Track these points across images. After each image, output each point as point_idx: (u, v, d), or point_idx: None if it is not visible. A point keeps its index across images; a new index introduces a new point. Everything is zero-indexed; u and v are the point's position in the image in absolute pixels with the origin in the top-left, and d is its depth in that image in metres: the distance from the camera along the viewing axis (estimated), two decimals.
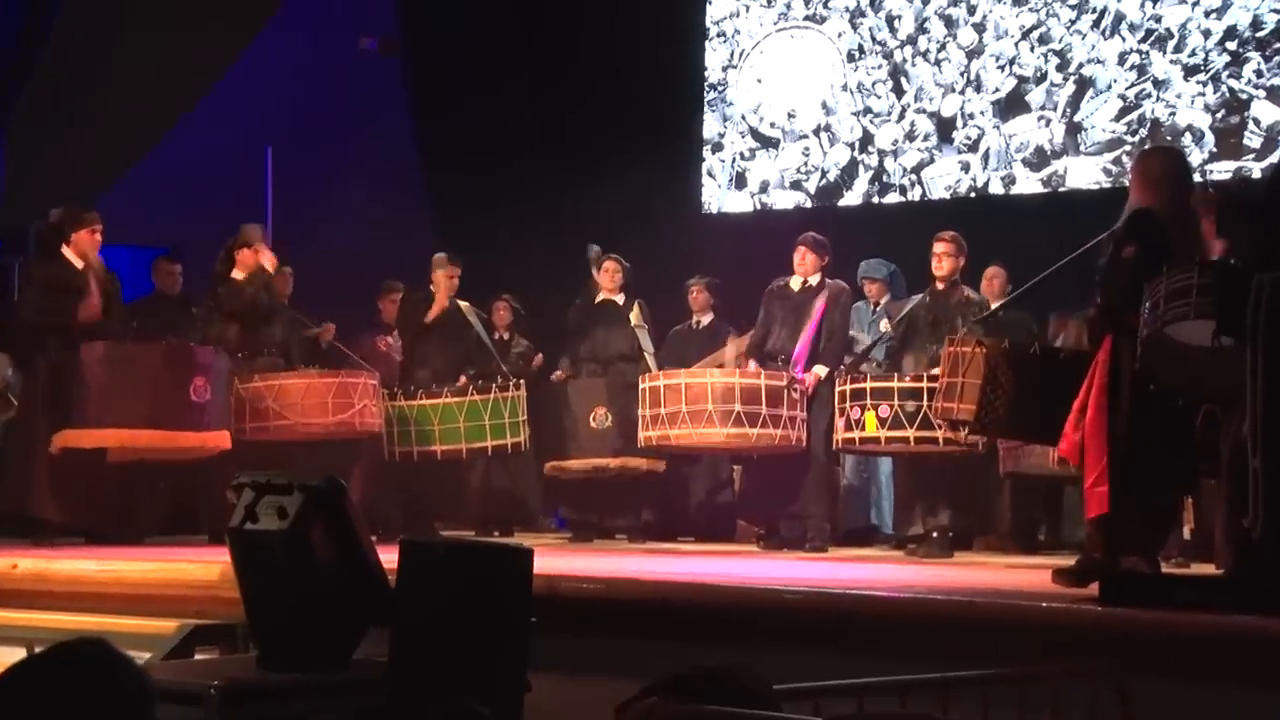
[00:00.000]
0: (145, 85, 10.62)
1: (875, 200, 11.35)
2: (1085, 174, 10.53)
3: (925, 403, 7.44)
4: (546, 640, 4.30)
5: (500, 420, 8.74)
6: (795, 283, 8.50)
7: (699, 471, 9.48)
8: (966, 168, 10.98)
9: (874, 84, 11.39)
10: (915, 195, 11.18)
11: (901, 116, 11.25)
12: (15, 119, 10.28)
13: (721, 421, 7.94)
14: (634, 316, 9.19)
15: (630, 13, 11.71)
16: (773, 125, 11.82)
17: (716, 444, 8.20)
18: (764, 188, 11.83)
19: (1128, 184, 5.64)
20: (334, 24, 12.09)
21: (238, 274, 8.48)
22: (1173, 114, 10.24)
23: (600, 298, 9.36)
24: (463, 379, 9.10)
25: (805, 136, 11.67)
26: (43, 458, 7.78)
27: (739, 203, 11.93)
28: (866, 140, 11.40)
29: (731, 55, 12.05)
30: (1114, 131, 10.43)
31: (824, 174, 11.57)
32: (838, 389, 7.94)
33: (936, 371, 7.15)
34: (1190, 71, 10.19)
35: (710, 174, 12.06)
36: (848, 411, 7.79)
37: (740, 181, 11.93)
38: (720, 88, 12.07)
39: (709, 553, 8.22)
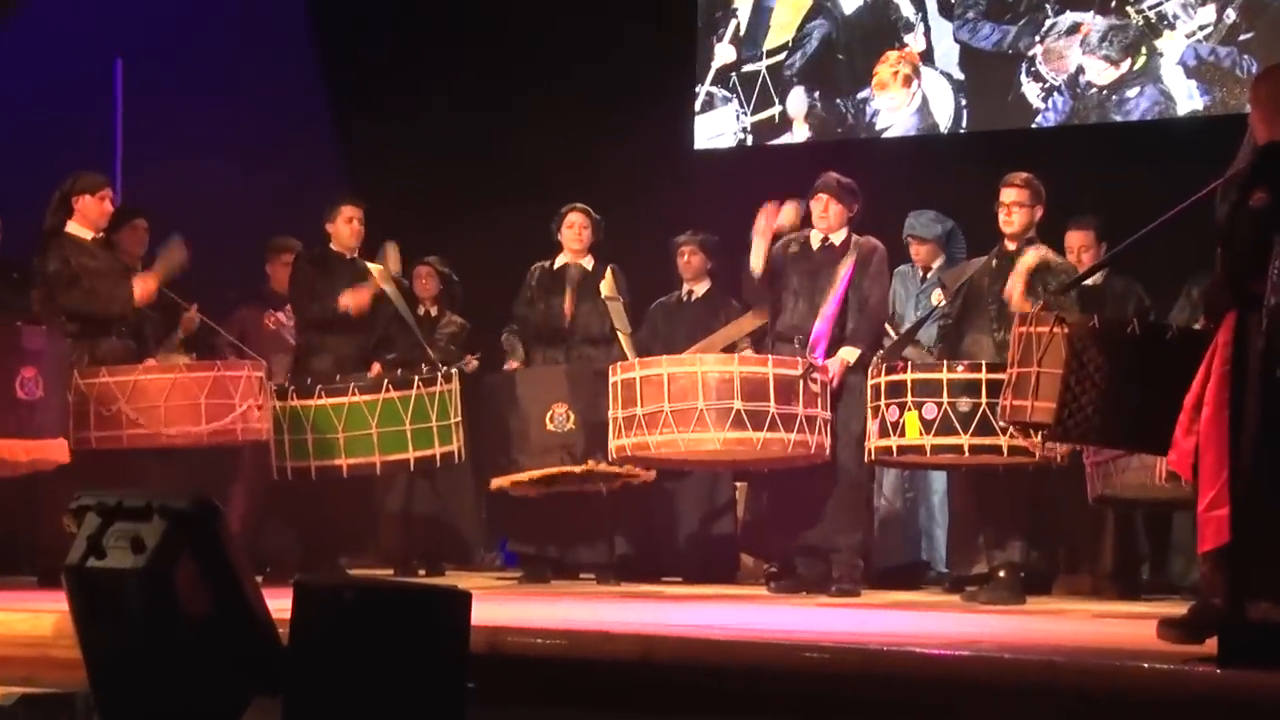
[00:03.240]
0: None
1: (920, 132, 11.36)
2: (1201, 97, 10.56)
3: (985, 399, 7.45)
4: (488, 713, 4.29)
5: (426, 424, 8.71)
6: (815, 240, 8.50)
7: (690, 489, 9.48)
8: (1044, 88, 10.98)
9: None
10: (976, 125, 11.19)
11: (963, 21, 11.25)
12: None
13: (717, 423, 7.93)
14: (605, 286, 9.17)
15: None
16: (786, 29, 11.82)
17: (710, 453, 8.18)
18: (776, 117, 11.82)
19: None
20: None
21: (76, 228, 8.43)
22: None
23: (561, 261, 9.35)
24: (375, 368, 9.07)
25: (829, 46, 11.66)
26: None
27: (742, 136, 11.92)
28: (912, 52, 11.41)
29: None
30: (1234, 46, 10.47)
31: (854, 97, 11.57)
32: (870, 382, 7.94)
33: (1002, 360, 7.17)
34: None
35: (707, 99, 12.05)
36: (883, 412, 7.80)
37: (744, 108, 11.92)
38: None
39: (704, 597, 8.22)
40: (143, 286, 8.47)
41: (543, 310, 9.26)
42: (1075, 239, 8.80)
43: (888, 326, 8.94)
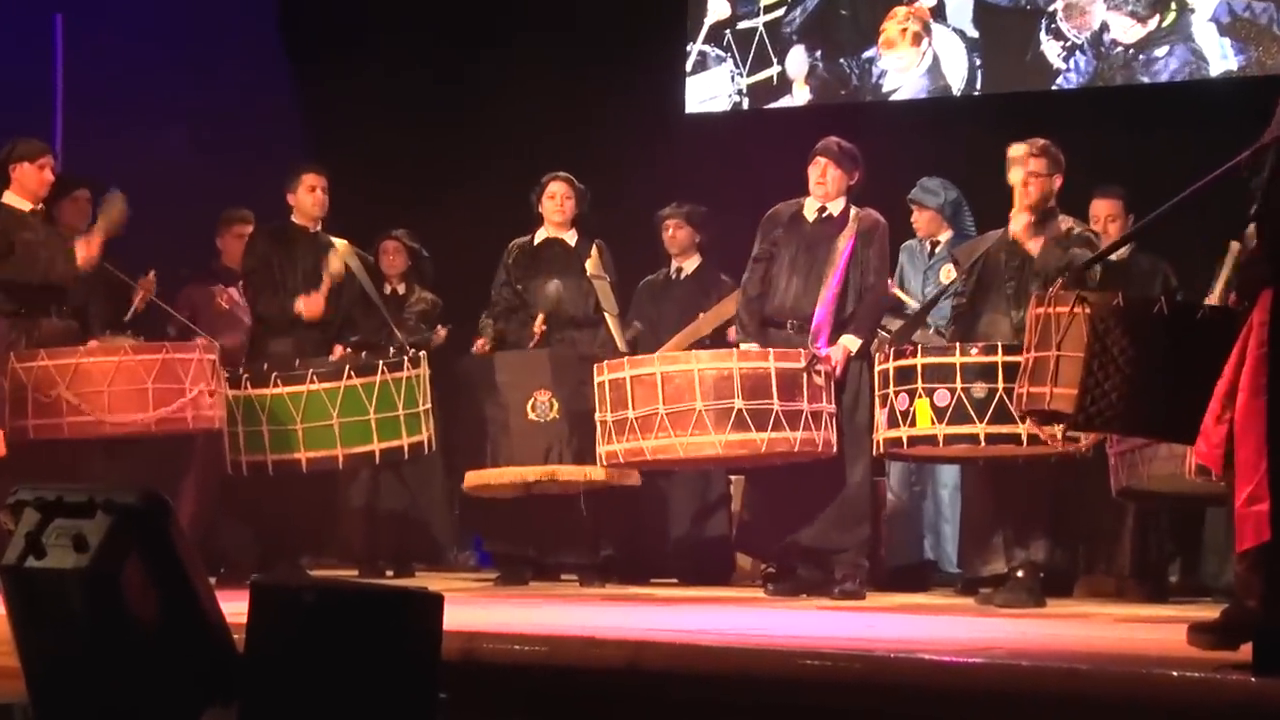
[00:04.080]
0: None
1: (930, 94, 11.35)
2: (1236, 56, 10.57)
3: (1002, 384, 7.45)
4: None
5: (393, 413, 8.67)
6: (810, 209, 8.49)
7: (682, 485, 9.48)
8: (1065, 47, 10.98)
9: None
10: (991, 87, 11.19)
11: None
12: None
13: (717, 424, 7.91)
14: (591, 264, 9.16)
15: None
16: None
17: (712, 457, 8.18)
18: (774, 78, 11.81)
19: None
20: None
21: (12, 199, 8.43)
22: None
23: (542, 236, 9.33)
24: (338, 351, 9.05)
25: (833, 1, 11.65)
26: None
27: (737, 99, 11.91)
28: (923, 8, 11.41)
29: None
30: None
31: (859, 57, 11.56)
32: (878, 368, 7.93)
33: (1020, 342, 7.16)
34: None
35: (700, 59, 12.04)
36: (892, 400, 7.79)
37: (740, 69, 11.91)
38: None
39: (696, 600, 8.23)
40: (86, 248, 8.44)
41: (519, 294, 9.21)
42: (1101, 209, 8.78)
43: (904, 297, 8.93)
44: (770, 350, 8.11)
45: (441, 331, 10.00)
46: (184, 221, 10.25)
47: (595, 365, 8.34)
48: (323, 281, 8.98)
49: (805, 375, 7.99)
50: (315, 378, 8.61)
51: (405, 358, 8.75)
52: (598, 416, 8.23)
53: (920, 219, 9.47)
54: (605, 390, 8.15)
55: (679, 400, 7.95)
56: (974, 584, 8.26)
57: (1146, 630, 6.47)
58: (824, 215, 8.43)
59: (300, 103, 12.46)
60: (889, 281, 8.78)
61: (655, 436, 7.99)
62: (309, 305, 8.93)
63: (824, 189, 8.41)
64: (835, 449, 8.10)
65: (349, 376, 8.64)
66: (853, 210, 8.42)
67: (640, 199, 10.01)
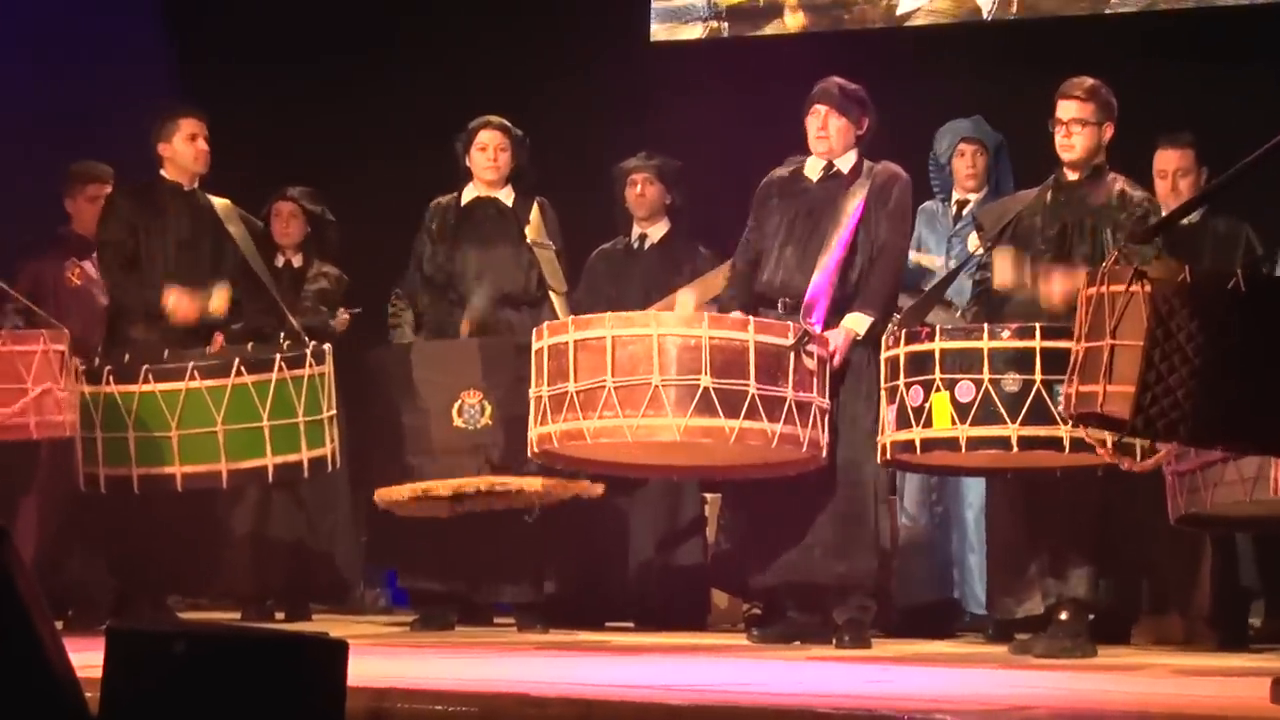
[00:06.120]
0: None
1: (954, 20, 11.38)
2: None
3: (1039, 375, 7.44)
4: None
5: (290, 419, 8.62)
6: (813, 167, 8.49)
7: (646, 504, 9.50)
8: None
9: None
10: (1028, 10, 11.22)
11: None
12: None
13: (677, 406, 7.82)
14: (531, 229, 9.16)
15: None
16: None
17: (667, 447, 8.04)
18: None
19: None
20: None
21: None
22: None
23: (471, 195, 9.32)
24: (217, 341, 9.03)
25: None
26: None
27: (715, 26, 11.93)
28: None
29: None
30: None
31: None
32: (885, 355, 7.90)
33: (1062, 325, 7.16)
34: None
35: None
36: (903, 394, 7.76)
37: None
38: None
39: (662, 648, 8.25)
40: None
41: (442, 262, 9.21)
42: (1169, 160, 8.76)
43: (924, 259, 8.93)
44: (750, 319, 8.01)
45: (344, 315, 9.95)
46: (24, 178, 10.23)
47: (535, 330, 8.23)
48: (206, 286, 8.91)
49: (793, 355, 7.91)
50: (196, 373, 8.51)
51: (306, 351, 8.66)
52: (532, 392, 8.09)
53: (978, 164, 9.42)
54: (544, 359, 8.02)
55: (632, 372, 7.81)
56: (1007, 628, 8.27)
57: (1219, 685, 6.50)
58: (831, 173, 8.41)
59: (172, 30, 12.44)
60: (908, 247, 8.76)
61: (599, 416, 7.84)
62: (179, 305, 8.83)
63: (826, 143, 8.39)
64: (825, 455, 8.05)
65: (238, 373, 8.53)
66: (866, 164, 8.40)
67: (594, 149, 10.03)
